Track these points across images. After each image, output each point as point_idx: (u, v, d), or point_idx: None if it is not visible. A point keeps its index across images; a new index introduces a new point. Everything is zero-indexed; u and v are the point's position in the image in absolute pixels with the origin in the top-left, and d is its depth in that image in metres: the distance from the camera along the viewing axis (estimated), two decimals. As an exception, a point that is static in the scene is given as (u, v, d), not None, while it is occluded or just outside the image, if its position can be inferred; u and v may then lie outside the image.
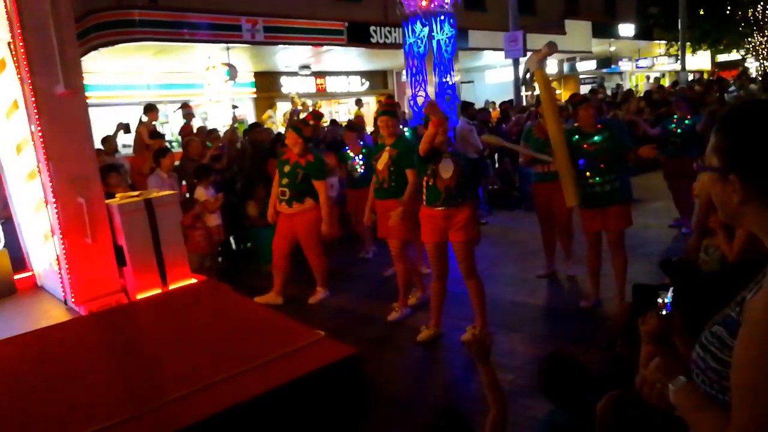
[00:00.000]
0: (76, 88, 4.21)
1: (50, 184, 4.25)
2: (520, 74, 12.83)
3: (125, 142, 9.60)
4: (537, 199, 5.94)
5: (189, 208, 6.31)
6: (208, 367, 3.44)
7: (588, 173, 4.83)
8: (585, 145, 4.82)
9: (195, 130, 9.39)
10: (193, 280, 4.90)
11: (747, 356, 1.08)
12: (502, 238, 7.71)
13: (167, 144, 8.18)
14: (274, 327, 4.04)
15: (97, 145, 9.18)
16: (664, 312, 1.87)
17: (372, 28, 13.92)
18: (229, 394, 3.14)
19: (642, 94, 16.63)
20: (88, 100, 4.36)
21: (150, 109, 8.50)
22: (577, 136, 4.88)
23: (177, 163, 6.92)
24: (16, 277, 5.06)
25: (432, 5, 9.92)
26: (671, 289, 1.85)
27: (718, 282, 1.84)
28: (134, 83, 12.78)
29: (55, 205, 4.28)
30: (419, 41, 10.17)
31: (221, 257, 7.19)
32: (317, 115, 5.69)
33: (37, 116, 4.15)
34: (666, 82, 25.46)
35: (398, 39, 12.99)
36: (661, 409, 1.33)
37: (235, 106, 11.63)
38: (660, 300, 1.88)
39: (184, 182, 6.94)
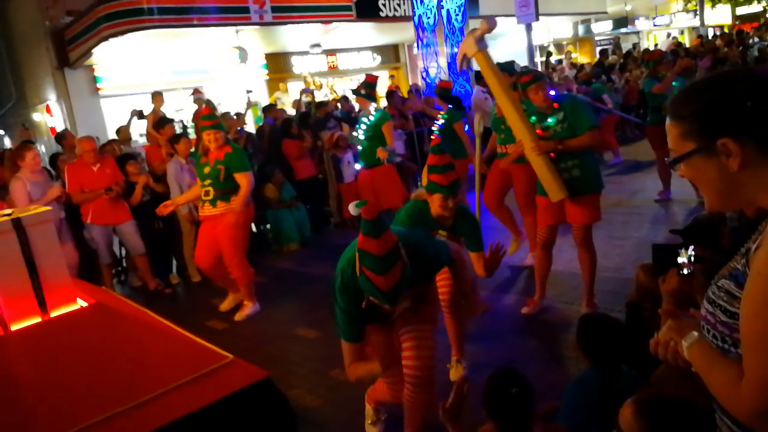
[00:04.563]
0: None
1: None
2: (534, 42, 12.57)
3: (142, 131, 9.67)
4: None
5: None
6: (92, 402, 2.90)
7: None
8: (539, 130, 4.11)
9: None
10: (82, 304, 4.57)
11: (755, 306, 1.08)
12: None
13: (182, 129, 8.21)
14: (176, 351, 3.45)
15: (112, 135, 9.30)
16: (685, 271, 1.85)
17: (381, 1, 13.74)
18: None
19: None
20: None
21: (154, 96, 8.49)
22: (534, 118, 4.18)
23: (192, 149, 6.94)
24: None
25: (440, -26, 9.77)
26: (691, 247, 1.82)
27: (739, 237, 1.81)
28: (145, 72, 12.80)
29: None
30: (428, 12, 10.04)
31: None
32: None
33: None
34: (685, 39, 24.84)
35: (408, 11, 12.79)
36: (677, 367, 1.33)
37: (249, 90, 11.62)
38: (680, 259, 1.86)
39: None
